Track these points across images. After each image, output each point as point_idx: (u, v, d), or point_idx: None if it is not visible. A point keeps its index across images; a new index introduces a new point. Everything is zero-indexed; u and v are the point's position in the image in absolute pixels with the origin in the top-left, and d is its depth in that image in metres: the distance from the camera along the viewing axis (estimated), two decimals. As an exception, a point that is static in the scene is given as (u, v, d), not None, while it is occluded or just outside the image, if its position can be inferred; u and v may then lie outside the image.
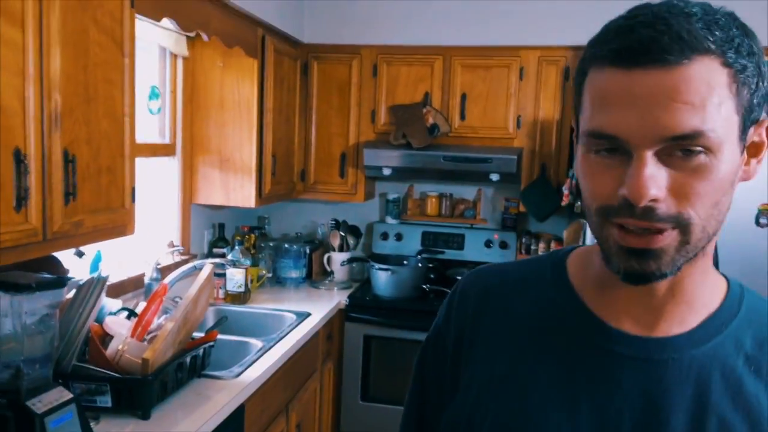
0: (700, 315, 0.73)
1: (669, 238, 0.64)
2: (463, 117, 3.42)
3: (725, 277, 0.78)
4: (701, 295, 0.74)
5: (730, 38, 0.62)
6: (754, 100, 0.65)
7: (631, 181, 0.62)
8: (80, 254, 2.07)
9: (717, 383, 0.70)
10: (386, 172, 3.45)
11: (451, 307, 0.87)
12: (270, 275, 3.48)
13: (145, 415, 1.79)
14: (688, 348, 0.72)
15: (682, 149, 0.62)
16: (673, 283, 0.71)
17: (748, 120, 0.65)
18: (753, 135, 0.67)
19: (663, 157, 0.63)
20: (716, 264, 3.00)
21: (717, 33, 0.62)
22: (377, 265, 3.39)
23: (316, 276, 3.67)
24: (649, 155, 0.62)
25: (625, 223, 0.65)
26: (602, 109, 0.64)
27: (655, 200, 0.62)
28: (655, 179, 0.62)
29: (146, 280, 2.64)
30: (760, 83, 0.65)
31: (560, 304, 0.78)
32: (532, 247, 3.58)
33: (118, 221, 1.93)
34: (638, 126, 0.62)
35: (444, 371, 0.84)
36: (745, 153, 0.67)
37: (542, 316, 0.78)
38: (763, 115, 0.67)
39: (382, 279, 3.37)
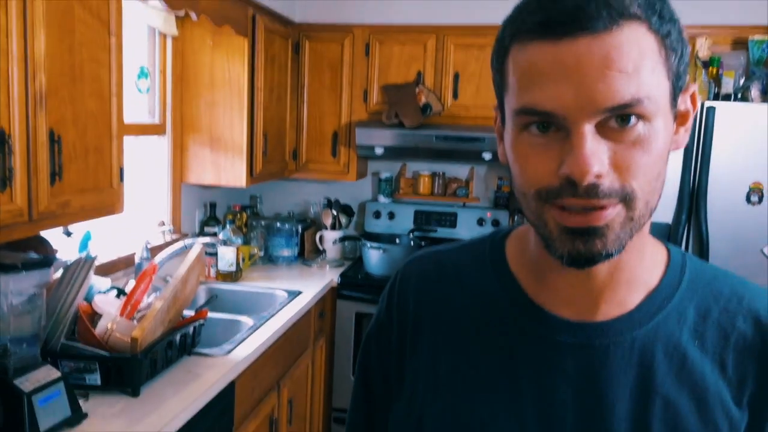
0: (640, 293, 0.71)
1: (614, 213, 0.61)
2: (455, 96, 3.41)
3: (666, 246, 0.76)
4: (641, 273, 0.71)
5: (652, 4, 0.61)
6: (681, 67, 0.64)
7: (572, 159, 0.59)
8: (68, 233, 2.07)
9: (660, 363, 0.69)
10: (378, 151, 3.44)
11: (392, 299, 0.85)
12: (262, 254, 3.49)
13: (134, 393, 1.81)
14: (630, 330, 0.70)
15: (619, 119, 0.60)
16: (612, 264, 0.68)
17: (677, 87, 0.64)
18: (680, 103, 0.66)
19: (601, 130, 0.60)
20: (706, 241, 2.96)
21: None
22: (369, 244, 3.41)
23: (308, 254, 3.68)
24: (588, 129, 0.59)
25: (568, 204, 0.61)
26: (532, 85, 0.61)
27: (598, 176, 0.60)
28: (597, 154, 0.59)
29: (137, 259, 2.65)
30: (684, 50, 0.64)
31: (500, 292, 0.76)
32: (524, 226, 3.59)
33: (105, 201, 1.94)
34: (574, 99, 0.59)
35: (389, 364, 0.83)
36: (675, 121, 0.66)
37: (483, 306, 0.76)
38: (689, 82, 0.66)
39: (374, 257, 3.38)
